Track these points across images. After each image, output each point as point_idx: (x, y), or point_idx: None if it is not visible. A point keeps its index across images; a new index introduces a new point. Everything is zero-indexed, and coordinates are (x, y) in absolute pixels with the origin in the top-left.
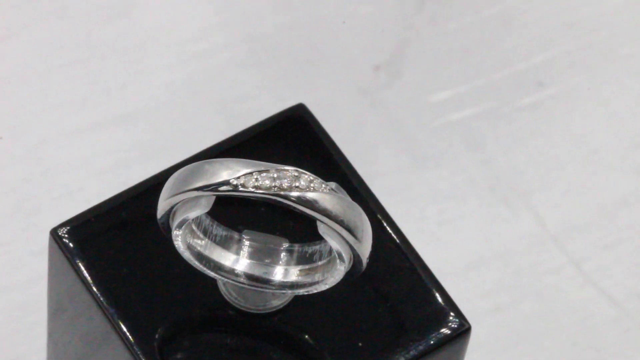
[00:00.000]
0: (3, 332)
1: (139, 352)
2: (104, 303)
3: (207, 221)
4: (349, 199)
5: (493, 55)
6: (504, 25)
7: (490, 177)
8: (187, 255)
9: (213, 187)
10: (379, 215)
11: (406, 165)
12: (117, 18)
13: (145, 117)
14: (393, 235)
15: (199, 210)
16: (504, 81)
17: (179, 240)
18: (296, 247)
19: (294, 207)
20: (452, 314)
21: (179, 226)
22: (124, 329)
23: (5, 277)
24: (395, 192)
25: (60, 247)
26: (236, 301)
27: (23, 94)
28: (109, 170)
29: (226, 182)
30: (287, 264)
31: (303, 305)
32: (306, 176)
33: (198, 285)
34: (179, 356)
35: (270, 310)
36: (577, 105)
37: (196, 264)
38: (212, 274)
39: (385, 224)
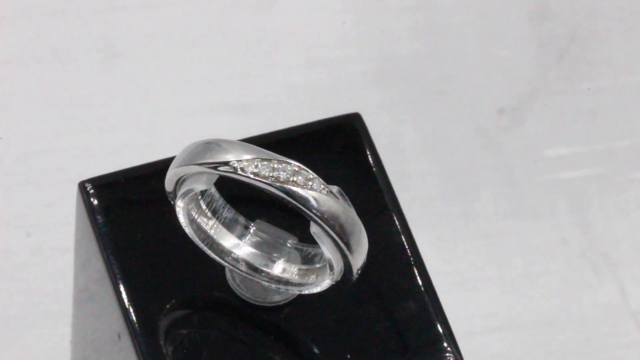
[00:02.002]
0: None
1: (133, 317)
2: (113, 264)
3: (220, 202)
4: (347, 206)
5: (619, 123)
6: (638, 96)
7: (584, 240)
8: (189, 230)
9: (214, 166)
10: (402, 237)
11: (504, 211)
12: (259, 10)
13: (260, 111)
14: (411, 258)
15: (201, 185)
16: (622, 150)
17: (181, 213)
18: (302, 246)
19: (288, 201)
20: (446, 345)
21: (181, 198)
22: (124, 290)
23: None
24: (487, 236)
25: (84, 200)
26: (238, 289)
27: (148, 65)
28: None
29: (226, 163)
30: (289, 261)
31: (304, 306)
32: (306, 173)
33: (206, 268)
34: (171, 330)
35: (269, 304)
36: None
37: (197, 240)
38: (212, 254)
39: (406, 246)
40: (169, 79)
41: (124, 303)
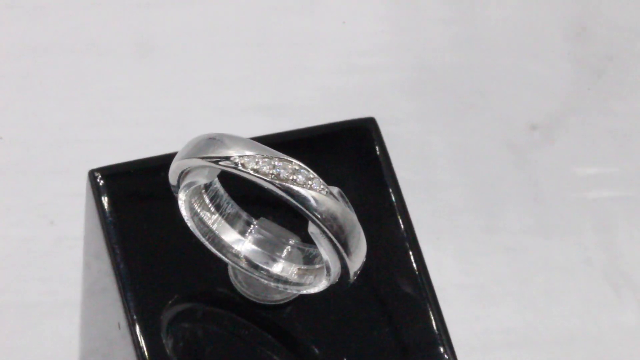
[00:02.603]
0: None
1: (132, 307)
2: (117, 254)
3: (224, 198)
4: (347, 207)
5: None
6: None
7: (607, 261)
8: (190, 224)
9: (215, 160)
10: (407, 243)
11: (529, 227)
12: (299, 12)
13: (290, 113)
14: (414, 264)
15: (203, 179)
16: None
17: (183, 206)
18: (304, 246)
19: (286, 199)
20: (443, 352)
21: (183, 190)
22: (125, 280)
23: None
24: (510, 250)
25: (92, 189)
26: (240, 286)
27: (183, 61)
28: None
29: (227, 158)
30: (289, 260)
31: (304, 306)
32: (307, 173)
33: (209, 263)
34: (171, 323)
35: (270, 303)
36: None
37: (198, 234)
38: (212, 249)
39: (411, 254)
40: (203, 76)
41: (124, 292)
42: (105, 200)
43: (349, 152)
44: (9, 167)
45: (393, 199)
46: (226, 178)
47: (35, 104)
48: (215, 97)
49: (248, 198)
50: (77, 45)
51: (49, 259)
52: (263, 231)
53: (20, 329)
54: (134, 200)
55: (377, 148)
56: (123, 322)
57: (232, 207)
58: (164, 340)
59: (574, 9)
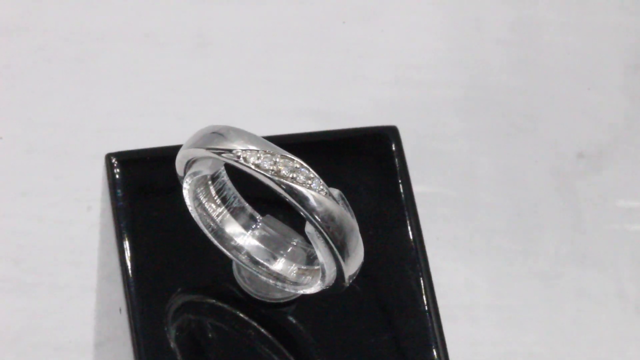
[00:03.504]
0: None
1: (134, 292)
2: (124, 238)
3: (231, 191)
4: (345, 210)
5: None
6: None
7: None
8: (195, 214)
9: (218, 152)
10: (414, 254)
11: (565, 255)
12: (359, 21)
13: (339, 120)
14: (420, 276)
15: (207, 169)
16: None
17: (187, 195)
18: (307, 246)
19: (284, 196)
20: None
21: (188, 180)
22: (130, 266)
23: None
24: (545, 277)
25: (106, 172)
26: (242, 281)
27: (238, 59)
28: None
29: (230, 151)
30: (291, 259)
31: (305, 307)
32: (307, 172)
33: (213, 256)
34: (169, 311)
35: (270, 300)
36: None
37: (202, 225)
38: (214, 241)
39: (418, 264)
40: (256, 75)
41: (126, 277)
42: (118, 184)
43: (368, 158)
44: (54, 149)
45: (405, 208)
46: (238, 174)
47: (86, 89)
48: (265, 97)
49: (259, 196)
50: (134, 35)
51: (82, 243)
52: (268, 228)
53: (48, 309)
54: (147, 188)
55: (395, 157)
56: (124, 307)
57: (238, 202)
58: (160, 328)
59: (635, 43)
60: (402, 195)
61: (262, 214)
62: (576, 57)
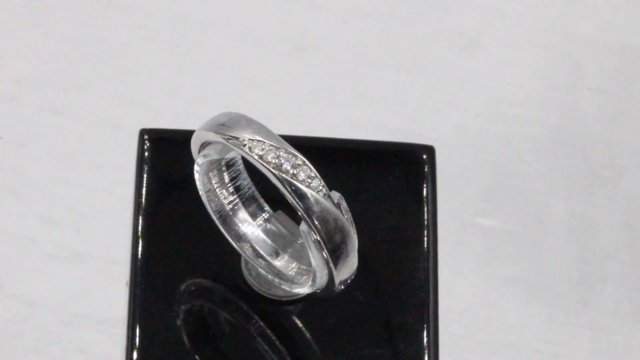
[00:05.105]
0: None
1: (139, 267)
2: (141, 213)
3: (246, 182)
4: (341, 214)
5: None
6: None
7: None
8: (204, 198)
9: (226, 137)
10: (424, 276)
11: (624, 311)
12: (459, 49)
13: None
14: (426, 300)
15: (215, 154)
16: None
17: (199, 179)
18: None
19: (282, 191)
20: None
21: (199, 162)
22: (141, 241)
23: None
24: (598, 329)
25: (138, 147)
26: (247, 273)
27: (330, 68)
28: None
29: (237, 138)
30: (293, 257)
31: (306, 308)
32: (309, 170)
33: (226, 247)
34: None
35: (271, 297)
36: None
37: (209, 209)
38: (220, 227)
39: (428, 285)
40: (344, 85)
41: (135, 249)
42: (145, 160)
43: (399, 172)
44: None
45: (425, 229)
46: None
47: (175, 72)
48: (349, 108)
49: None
50: (234, 28)
51: (105, 219)
52: (277, 224)
53: (98, 283)
54: (174, 168)
55: (426, 176)
56: (129, 280)
57: (251, 193)
58: (159, 305)
59: None
60: (425, 216)
61: (275, 209)
62: None
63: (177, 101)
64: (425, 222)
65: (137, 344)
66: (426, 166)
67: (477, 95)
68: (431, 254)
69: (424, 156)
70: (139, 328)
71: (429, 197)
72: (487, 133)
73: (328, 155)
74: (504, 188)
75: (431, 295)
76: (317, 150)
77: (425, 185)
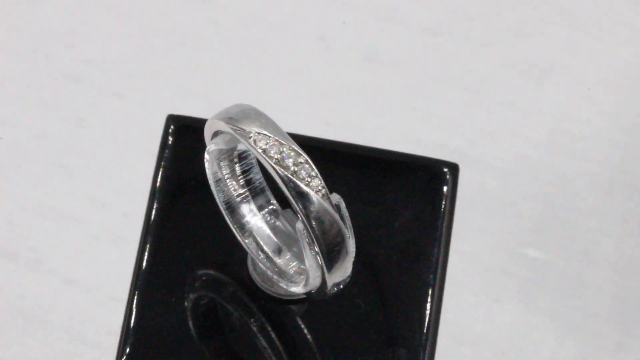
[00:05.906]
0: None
1: (146, 255)
2: (156, 198)
3: (257, 176)
4: (337, 216)
5: None
6: None
7: None
8: (213, 187)
9: (234, 128)
10: (430, 291)
11: None
12: (529, 78)
13: (474, 165)
14: (427, 316)
15: (223, 144)
16: None
17: (208, 168)
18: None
19: (281, 187)
20: None
21: (209, 150)
22: (151, 227)
23: None
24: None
25: (163, 132)
26: (252, 268)
27: (400, 84)
28: None
29: (244, 130)
30: (295, 256)
31: (315, 311)
32: (310, 169)
33: (236, 241)
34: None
35: (272, 294)
36: None
37: (217, 199)
38: (227, 217)
39: (432, 305)
40: (410, 102)
41: (145, 234)
42: (168, 146)
43: (419, 187)
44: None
45: (437, 245)
46: None
47: (241, 71)
48: (412, 125)
49: None
50: (308, 34)
51: (120, 198)
52: (285, 222)
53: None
54: (195, 157)
55: (445, 194)
56: (136, 265)
57: (261, 186)
58: (159, 291)
59: None
60: (439, 233)
61: (284, 207)
62: None
63: (238, 100)
64: (438, 238)
65: (132, 323)
66: (447, 183)
67: (541, 126)
68: (439, 270)
69: (447, 173)
70: (136, 309)
71: (446, 213)
72: (545, 164)
73: (351, 161)
74: (555, 221)
75: (433, 311)
76: (342, 156)
77: (443, 202)
